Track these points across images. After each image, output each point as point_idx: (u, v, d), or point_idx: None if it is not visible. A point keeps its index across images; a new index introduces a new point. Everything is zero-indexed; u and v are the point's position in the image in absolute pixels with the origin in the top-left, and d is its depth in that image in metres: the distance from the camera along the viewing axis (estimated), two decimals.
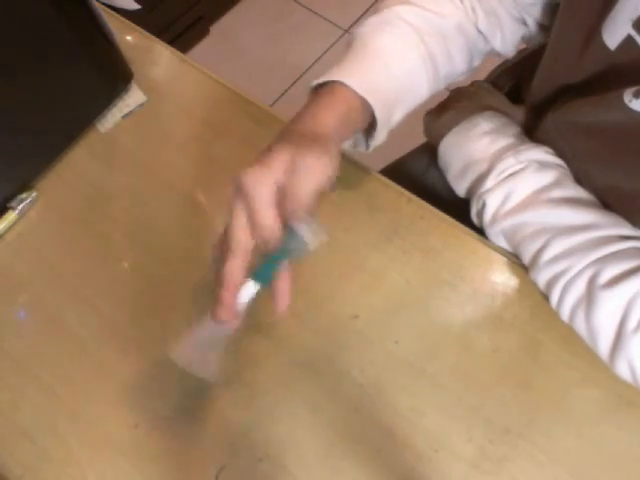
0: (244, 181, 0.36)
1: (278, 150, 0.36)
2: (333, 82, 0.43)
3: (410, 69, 0.47)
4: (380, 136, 0.47)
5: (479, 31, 0.51)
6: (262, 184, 0.35)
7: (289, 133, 0.39)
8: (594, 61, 0.42)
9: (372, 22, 0.49)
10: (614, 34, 0.38)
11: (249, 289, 0.38)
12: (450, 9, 0.49)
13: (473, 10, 0.50)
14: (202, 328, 0.39)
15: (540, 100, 0.51)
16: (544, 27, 0.51)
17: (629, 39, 0.37)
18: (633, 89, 0.37)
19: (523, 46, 0.58)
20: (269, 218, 0.35)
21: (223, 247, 0.38)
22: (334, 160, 0.38)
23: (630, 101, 0.38)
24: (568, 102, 0.46)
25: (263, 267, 0.38)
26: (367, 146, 0.49)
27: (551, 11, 0.49)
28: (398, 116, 0.47)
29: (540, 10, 0.49)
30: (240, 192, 0.36)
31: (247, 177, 0.36)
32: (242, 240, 0.36)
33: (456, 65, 0.51)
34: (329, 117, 0.41)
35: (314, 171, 0.36)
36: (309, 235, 0.37)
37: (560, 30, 0.45)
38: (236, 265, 0.37)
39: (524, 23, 0.51)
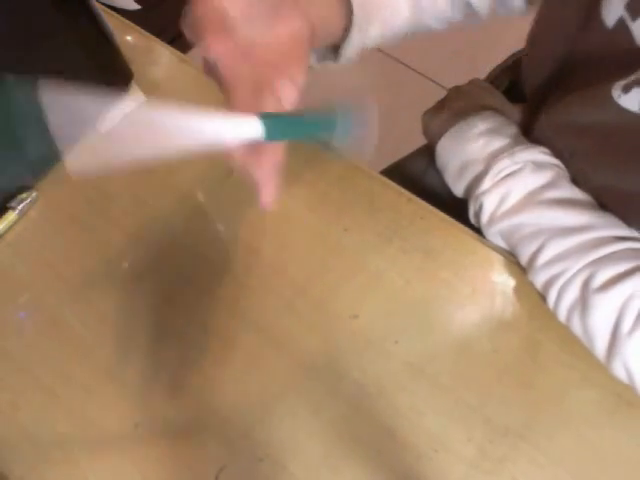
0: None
1: None
2: None
3: None
4: (354, 40, 0.42)
5: None
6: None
7: None
8: (592, 38, 0.41)
9: None
10: (610, 12, 0.37)
11: (249, 126, 0.31)
12: None
13: None
14: None
15: (536, 83, 0.50)
16: None
17: (621, 21, 0.36)
18: (622, 83, 0.37)
19: None
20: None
21: None
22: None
23: (619, 97, 0.37)
24: (560, 100, 0.46)
25: (280, 119, 0.32)
26: (337, 56, 0.44)
27: None
28: (376, 31, 0.44)
29: None
30: None
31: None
32: None
33: None
34: None
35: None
36: (352, 127, 0.32)
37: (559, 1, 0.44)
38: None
39: None
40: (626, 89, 0.36)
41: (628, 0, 0.35)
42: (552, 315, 0.47)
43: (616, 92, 0.37)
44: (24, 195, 0.58)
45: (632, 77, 0.36)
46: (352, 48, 0.43)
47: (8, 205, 0.57)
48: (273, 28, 0.35)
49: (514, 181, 0.48)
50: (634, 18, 0.35)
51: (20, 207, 0.57)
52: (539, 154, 0.49)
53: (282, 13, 0.35)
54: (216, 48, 0.33)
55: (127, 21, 0.68)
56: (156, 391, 0.49)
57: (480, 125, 0.53)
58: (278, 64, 0.35)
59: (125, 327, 0.52)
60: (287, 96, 0.34)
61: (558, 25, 0.45)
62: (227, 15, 0.33)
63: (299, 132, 0.34)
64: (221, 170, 0.58)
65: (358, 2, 0.41)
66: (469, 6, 0.51)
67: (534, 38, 0.49)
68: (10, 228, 0.57)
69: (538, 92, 0.51)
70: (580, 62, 0.43)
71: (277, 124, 0.32)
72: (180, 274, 0.54)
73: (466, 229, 0.53)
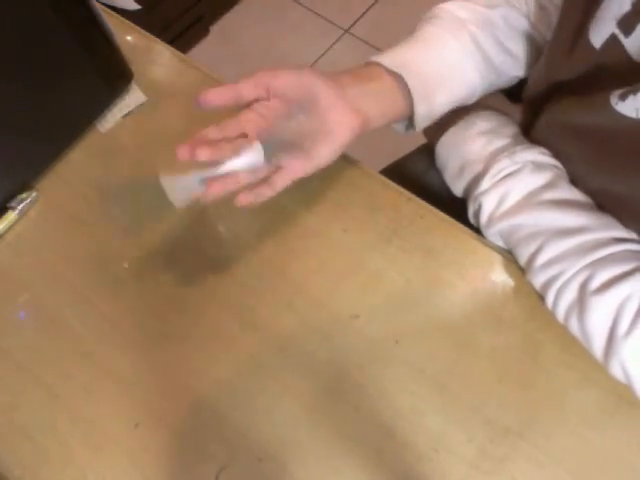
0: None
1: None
2: (369, 62, 0.47)
3: (452, 53, 0.49)
4: (421, 112, 0.48)
5: (532, 23, 0.51)
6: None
7: None
8: (581, 60, 0.42)
9: (423, 18, 0.52)
10: (599, 33, 0.38)
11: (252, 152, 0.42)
12: (499, 1, 0.51)
13: (526, 3, 0.51)
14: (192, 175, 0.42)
15: (534, 96, 0.51)
16: None
17: (613, 38, 0.37)
18: (619, 91, 0.37)
19: None
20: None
21: None
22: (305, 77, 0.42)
23: (616, 104, 0.38)
24: (560, 102, 0.46)
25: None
26: (413, 126, 0.51)
27: None
28: (443, 99, 0.49)
29: None
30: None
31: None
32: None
33: (513, 54, 0.51)
34: (341, 71, 0.45)
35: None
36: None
37: (556, 27, 0.45)
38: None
39: None
40: (622, 97, 0.37)
41: (620, 18, 0.36)
42: (552, 315, 0.47)
43: (613, 100, 0.38)
44: (24, 195, 0.58)
45: (628, 87, 0.37)
46: (422, 119, 0.49)
47: (8, 205, 0.57)
48: (313, 118, 0.43)
49: (513, 181, 0.48)
50: (627, 34, 0.36)
51: (20, 207, 0.57)
52: (539, 155, 0.49)
53: (323, 107, 0.42)
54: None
55: (127, 21, 0.68)
56: (156, 391, 0.49)
57: (480, 124, 0.53)
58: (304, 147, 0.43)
59: (125, 327, 0.52)
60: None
61: (552, 51, 0.47)
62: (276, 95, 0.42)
63: None
64: None
65: (415, 83, 0.46)
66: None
67: (540, 59, 0.50)
68: (10, 228, 0.57)
69: (535, 100, 0.51)
70: (572, 79, 0.44)
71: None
72: (180, 274, 0.54)
73: (466, 229, 0.53)
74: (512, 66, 0.53)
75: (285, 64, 0.42)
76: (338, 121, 0.43)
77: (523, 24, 0.52)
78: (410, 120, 0.50)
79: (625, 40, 0.36)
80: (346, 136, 0.43)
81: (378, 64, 0.47)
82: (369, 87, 0.45)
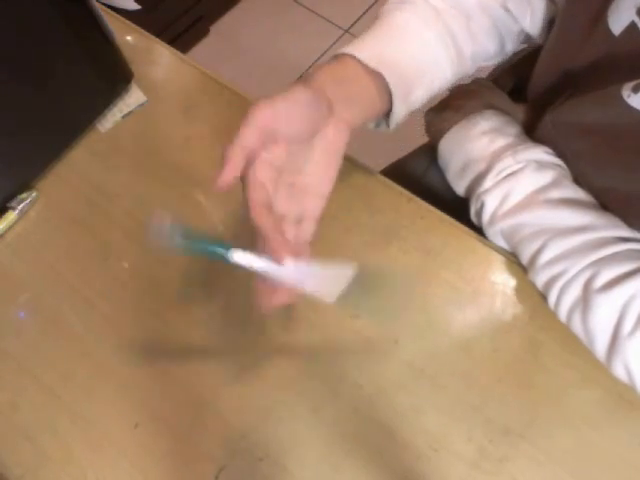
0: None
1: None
2: (345, 55, 0.44)
3: (427, 45, 0.47)
4: (398, 111, 0.46)
5: (507, 10, 0.50)
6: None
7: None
8: (597, 46, 0.41)
9: (394, 1, 0.50)
10: (619, 20, 0.38)
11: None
12: None
13: None
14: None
15: (540, 91, 0.51)
16: None
17: (633, 26, 0.37)
18: (632, 83, 0.37)
19: None
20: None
21: None
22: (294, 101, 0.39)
23: (628, 96, 0.37)
24: (568, 99, 0.46)
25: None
26: (388, 124, 0.48)
27: None
28: (419, 94, 0.47)
29: None
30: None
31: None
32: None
33: (483, 45, 0.50)
34: (322, 74, 0.42)
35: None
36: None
37: (567, 12, 0.44)
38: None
39: (554, 2, 0.49)
40: (636, 89, 0.37)
41: None
42: (553, 315, 0.47)
43: (626, 92, 0.38)
44: (24, 195, 0.58)
45: None
46: (399, 116, 0.47)
47: (8, 205, 0.57)
48: (312, 149, 0.40)
49: (516, 180, 0.48)
50: None
51: (20, 207, 0.57)
52: (542, 153, 0.49)
53: (319, 127, 0.40)
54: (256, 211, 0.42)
55: (127, 21, 0.68)
56: (156, 391, 0.49)
57: (483, 124, 0.53)
58: (308, 188, 0.42)
59: (125, 327, 0.52)
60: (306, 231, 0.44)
61: (564, 38, 0.46)
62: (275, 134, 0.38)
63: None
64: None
65: (395, 82, 0.44)
66: (524, 37, 0.53)
67: (545, 48, 0.49)
68: (10, 228, 0.57)
69: (542, 94, 0.51)
70: (586, 67, 0.44)
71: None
72: (180, 274, 0.54)
73: (466, 229, 0.53)
74: (481, 57, 0.52)
75: (279, 75, 0.40)
76: (334, 140, 0.41)
77: (496, 13, 0.50)
78: (384, 116, 0.48)
79: None
80: (341, 154, 0.41)
81: (353, 57, 0.44)
82: (351, 92, 0.43)
